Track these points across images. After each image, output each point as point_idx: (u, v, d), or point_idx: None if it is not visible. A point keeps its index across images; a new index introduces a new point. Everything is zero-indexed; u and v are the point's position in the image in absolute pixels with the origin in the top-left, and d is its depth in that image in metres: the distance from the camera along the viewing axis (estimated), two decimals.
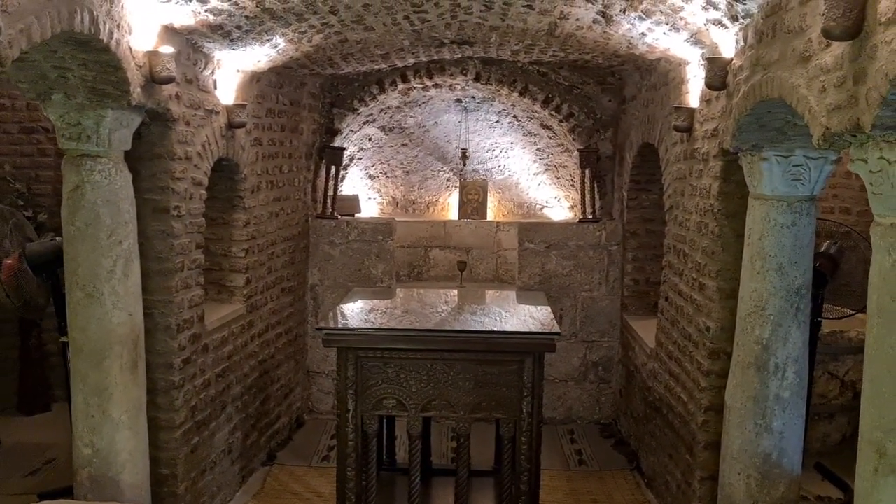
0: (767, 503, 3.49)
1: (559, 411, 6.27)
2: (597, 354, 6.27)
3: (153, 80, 3.42)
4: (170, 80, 3.49)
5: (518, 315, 4.66)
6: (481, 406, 3.97)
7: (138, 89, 3.33)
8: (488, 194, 7.15)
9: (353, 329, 4.03)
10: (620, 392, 6.08)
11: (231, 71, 4.45)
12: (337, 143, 6.55)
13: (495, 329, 4.16)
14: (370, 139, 7.04)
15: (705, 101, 3.92)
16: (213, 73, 4.21)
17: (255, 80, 4.89)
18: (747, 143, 3.35)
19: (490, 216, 7.14)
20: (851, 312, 4.62)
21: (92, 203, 3.40)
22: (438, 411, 3.99)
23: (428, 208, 7.38)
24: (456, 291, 5.56)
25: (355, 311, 4.61)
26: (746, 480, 3.51)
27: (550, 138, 6.90)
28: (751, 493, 3.51)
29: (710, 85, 3.59)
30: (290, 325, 5.84)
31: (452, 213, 7.26)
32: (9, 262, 4.19)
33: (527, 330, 4.17)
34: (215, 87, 4.26)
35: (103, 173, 3.40)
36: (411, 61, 6.00)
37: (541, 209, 7.20)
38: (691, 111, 4.13)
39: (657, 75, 4.98)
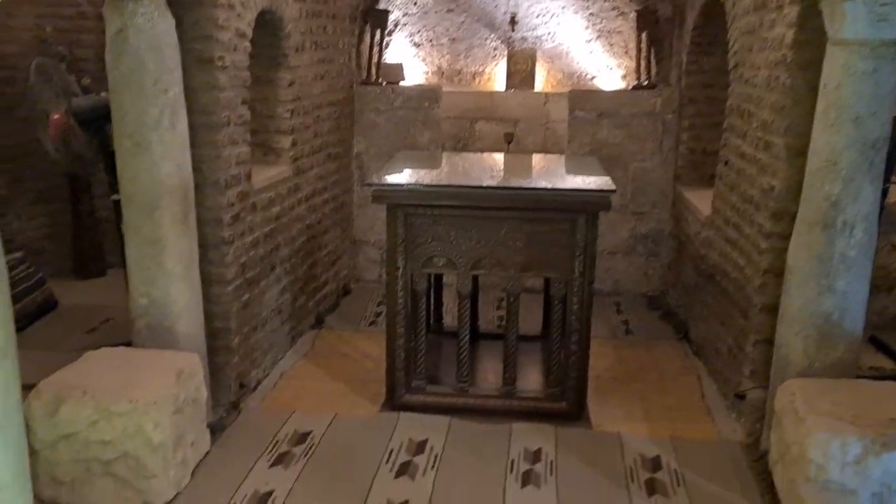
0: (825, 364, 3.42)
1: (606, 284, 6.20)
2: (646, 227, 6.13)
3: None
4: None
5: (570, 173, 4.52)
6: (531, 265, 3.90)
7: None
8: (537, 64, 6.87)
9: (402, 185, 3.95)
10: (669, 265, 5.98)
11: None
12: (382, 5, 6.29)
13: (547, 186, 4.05)
14: (415, 3, 6.74)
15: None
16: None
17: None
18: None
19: (538, 87, 6.89)
20: None
21: (135, 48, 3.31)
22: (488, 269, 3.94)
23: (474, 79, 7.13)
24: (503, 155, 5.42)
25: (404, 169, 4.52)
26: (805, 341, 3.43)
27: (605, 1, 6.53)
28: (808, 353, 3.43)
29: None
30: (336, 192, 5.79)
31: (499, 84, 7.01)
32: (56, 117, 4.16)
33: (580, 187, 4.04)
34: None
35: (146, 16, 3.29)
36: None
37: (592, 79, 6.90)
38: None
39: None
